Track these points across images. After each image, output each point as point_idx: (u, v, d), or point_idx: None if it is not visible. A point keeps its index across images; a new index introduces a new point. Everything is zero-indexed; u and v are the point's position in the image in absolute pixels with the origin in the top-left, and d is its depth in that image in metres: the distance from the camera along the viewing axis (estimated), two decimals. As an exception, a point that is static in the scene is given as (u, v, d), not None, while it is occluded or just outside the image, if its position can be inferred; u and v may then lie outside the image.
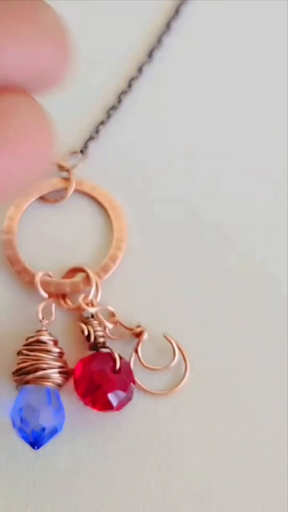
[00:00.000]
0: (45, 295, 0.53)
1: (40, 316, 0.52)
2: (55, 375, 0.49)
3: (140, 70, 0.60)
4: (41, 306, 0.52)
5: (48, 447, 0.50)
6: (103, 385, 0.49)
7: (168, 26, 0.61)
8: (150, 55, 0.61)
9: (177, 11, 0.62)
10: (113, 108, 0.59)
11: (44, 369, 0.49)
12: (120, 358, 0.50)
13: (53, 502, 0.50)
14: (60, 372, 0.50)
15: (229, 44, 0.62)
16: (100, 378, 0.49)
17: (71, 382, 0.51)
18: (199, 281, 0.55)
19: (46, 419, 0.48)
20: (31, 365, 0.49)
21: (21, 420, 0.49)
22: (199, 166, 0.59)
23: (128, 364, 0.51)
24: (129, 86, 0.60)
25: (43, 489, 0.50)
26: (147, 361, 0.52)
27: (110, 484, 0.50)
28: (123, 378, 0.50)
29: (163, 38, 0.61)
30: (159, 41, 0.61)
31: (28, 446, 0.49)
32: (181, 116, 0.60)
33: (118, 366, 0.50)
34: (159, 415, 0.52)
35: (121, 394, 0.49)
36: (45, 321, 0.52)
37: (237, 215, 0.57)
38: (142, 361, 0.52)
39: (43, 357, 0.50)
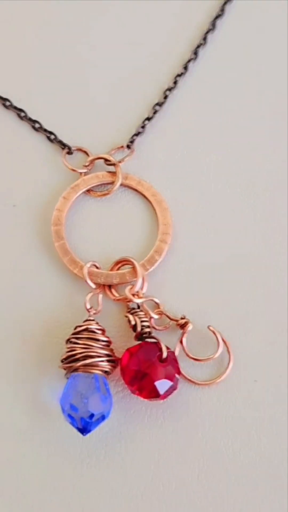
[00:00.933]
0: (93, 285, 0.53)
1: (88, 306, 0.53)
2: (103, 363, 0.50)
3: (185, 67, 0.61)
4: (88, 296, 0.53)
5: (94, 432, 0.51)
6: (150, 374, 0.50)
7: (213, 24, 0.62)
8: (195, 52, 0.61)
9: (222, 10, 0.62)
10: (159, 104, 0.60)
11: (92, 357, 0.50)
12: (167, 348, 0.51)
13: (99, 485, 0.51)
14: (108, 361, 0.51)
15: (274, 43, 0.62)
16: (147, 367, 0.50)
17: (117, 370, 0.52)
18: (242, 273, 0.56)
19: (94, 406, 0.49)
20: (80, 353, 0.50)
21: (71, 407, 0.50)
22: (245, 162, 0.59)
23: (174, 354, 0.52)
24: (175, 82, 0.60)
25: (89, 473, 0.51)
26: (191, 351, 0.53)
27: (155, 470, 0.51)
28: (170, 368, 0.50)
29: (208, 36, 0.62)
30: (204, 38, 0.62)
31: (75, 432, 0.50)
32: (226, 113, 0.60)
33: (164, 355, 0.51)
34: (203, 405, 0.52)
35: (168, 383, 0.50)
36: (93, 311, 0.53)
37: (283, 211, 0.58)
38: (187, 351, 0.53)
39: (92, 345, 0.50)
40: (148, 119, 0.59)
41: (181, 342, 0.53)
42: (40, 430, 0.52)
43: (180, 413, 0.52)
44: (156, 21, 0.63)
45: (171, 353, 0.52)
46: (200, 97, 0.61)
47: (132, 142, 0.59)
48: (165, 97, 0.60)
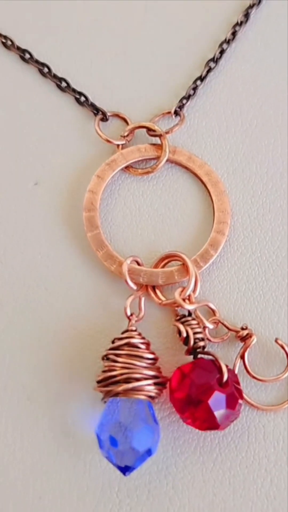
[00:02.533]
0: (134, 287, 0.47)
1: (129, 312, 0.46)
2: (149, 387, 0.43)
3: (246, 15, 0.52)
4: (129, 300, 0.46)
5: (136, 468, 0.44)
6: (207, 401, 0.43)
7: None
8: (258, -3, 0.52)
9: None
10: (214, 60, 0.52)
11: (137, 379, 0.43)
12: (226, 367, 0.44)
13: (141, 532, 0.44)
14: (155, 383, 0.43)
15: None
16: (203, 392, 0.43)
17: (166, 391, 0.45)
18: None
19: (139, 441, 0.43)
20: (121, 374, 0.43)
21: (110, 440, 0.42)
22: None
23: (236, 376, 0.45)
24: (233, 34, 0.52)
25: None
26: (253, 369, 0.46)
27: (212, 507, 0.44)
28: (232, 393, 0.43)
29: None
30: (269, -20, 0.52)
31: (111, 466, 0.44)
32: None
33: (225, 378, 0.43)
34: (268, 434, 0.46)
35: (229, 412, 0.43)
36: (134, 318, 0.46)
37: None
38: (250, 370, 0.46)
39: (135, 364, 0.44)
40: (201, 78, 0.51)
41: (242, 357, 0.46)
42: (69, 463, 0.45)
43: (241, 445, 0.46)
44: None
45: (233, 374, 0.45)
46: (264, 51, 0.53)
47: (181, 107, 0.51)
48: (221, 51, 0.52)
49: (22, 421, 0.46)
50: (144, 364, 0.44)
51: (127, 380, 0.43)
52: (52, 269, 0.49)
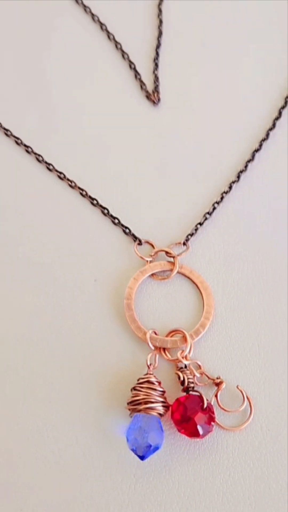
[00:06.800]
0: (152, 347, 0.58)
1: (149, 363, 0.58)
2: (159, 407, 0.56)
3: (238, 176, 0.66)
4: (149, 355, 0.58)
5: (147, 459, 0.56)
6: (194, 419, 0.55)
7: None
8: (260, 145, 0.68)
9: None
10: (209, 213, 0.64)
11: (152, 402, 0.55)
12: (206, 400, 0.56)
13: (149, 501, 0.56)
14: (162, 406, 0.56)
15: None
16: (192, 413, 0.55)
17: (168, 413, 0.57)
18: (269, 347, 0.60)
19: (153, 439, 0.55)
20: (143, 399, 0.56)
21: (134, 439, 0.55)
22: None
23: (211, 405, 0.56)
24: (230, 187, 0.66)
25: (141, 490, 0.56)
26: (223, 403, 0.58)
27: (190, 492, 0.56)
28: (209, 416, 0.56)
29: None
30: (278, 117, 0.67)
31: (132, 456, 0.56)
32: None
33: (205, 406, 0.56)
34: (229, 445, 0.57)
35: (207, 427, 0.55)
36: (152, 367, 0.58)
37: None
38: (220, 404, 0.58)
39: (151, 393, 0.56)
40: (200, 224, 0.64)
41: (216, 396, 0.58)
42: (104, 454, 0.57)
43: (212, 451, 0.57)
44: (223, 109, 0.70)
45: (210, 404, 0.56)
46: (254, 207, 0.65)
47: (187, 240, 0.63)
48: (220, 201, 0.65)
49: (76, 428, 0.57)
50: (157, 394, 0.56)
51: (146, 403, 0.55)
52: (102, 335, 0.60)
